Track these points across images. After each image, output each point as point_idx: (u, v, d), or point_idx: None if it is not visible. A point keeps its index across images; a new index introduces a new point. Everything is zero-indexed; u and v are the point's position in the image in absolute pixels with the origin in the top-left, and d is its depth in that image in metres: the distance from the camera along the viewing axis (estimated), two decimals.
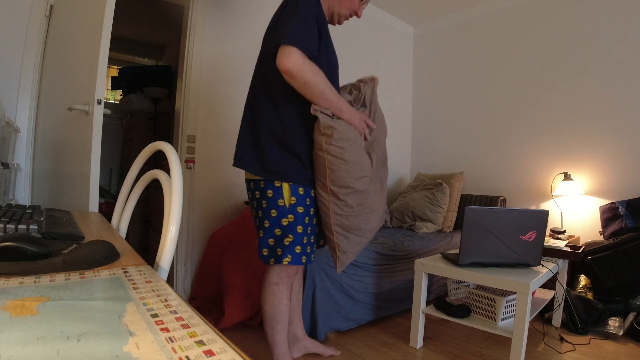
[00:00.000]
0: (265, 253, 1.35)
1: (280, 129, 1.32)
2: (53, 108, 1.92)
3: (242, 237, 2.12)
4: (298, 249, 1.33)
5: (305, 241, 1.34)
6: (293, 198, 1.32)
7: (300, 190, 1.34)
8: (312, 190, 1.38)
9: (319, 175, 1.33)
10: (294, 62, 1.16)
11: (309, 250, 1.36)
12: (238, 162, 1.38)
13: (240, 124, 1.44)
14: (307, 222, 1.35)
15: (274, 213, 1.32)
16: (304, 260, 1.34)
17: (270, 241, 1.34)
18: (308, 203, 1.36)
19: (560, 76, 2.84)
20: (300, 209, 1.33)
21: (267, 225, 1.34)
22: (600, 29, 2.65)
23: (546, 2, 2.93)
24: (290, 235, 1.32)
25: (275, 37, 1.22)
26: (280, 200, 1.31)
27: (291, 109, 1.32)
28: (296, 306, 1.67)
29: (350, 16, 1.49)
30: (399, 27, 3.75)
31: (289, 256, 1.31)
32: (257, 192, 1.35)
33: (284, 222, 1.32)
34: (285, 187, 1.32)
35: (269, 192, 1.32)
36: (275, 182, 1.31)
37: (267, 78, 1.34)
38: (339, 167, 1.28)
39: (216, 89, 2.44)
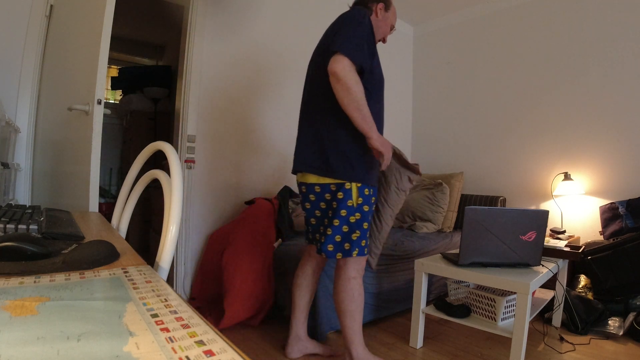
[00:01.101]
0: (330, 249, 1.45)
1: (345, 136, 1.43)
2: (53, 108, 1.92)
3: (242, 237, 2.12)
4: (363, 243, 1.48)
5: (368, 235, 1.51)
6: (360, 198, 1.45)
7: (366, 191, 1.47)
8: (375, 190, 1.54)
9: (394, 208, 1.67)
10: (342, 67, 1.29)
11: (369, 244, 1.54)
12: (305, 167, 1.49)
13: (299, 133, 1.56)
14: (370, 219, 1.50)
15: (343, 213, 1.43)
16: (366, 252, 1.51)
17: (337, 238, 1.45)
18: (372, 201, 1.51)
19: (560, 76, 2.84)
20: (366, 208, 1.47)
21: (336, 224, 1.44)
22: (600, 29, 2.64)
23: (546, 2, 2.93)
24: (358, 231, 1.45)
25: (331, 46, 1.34)
26: (350, 201, 1.44)
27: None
28: (309, 306, 1.72)
29: (379, 41, 1.64)
30: (399, 27, 3.75)
31: (357, 249, 1.46)
32: (327, 195, 1.46)
33: (352, 219, 1.44)
34: (354, 188, 1.44)
35: (340, 194, 1.43)
36: (346, 184, 1.43)
37: (328, 89, 1.40)
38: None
39: (216, 89, 2.44)
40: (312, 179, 1.47)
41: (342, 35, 1.34)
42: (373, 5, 1.59)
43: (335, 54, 1.30)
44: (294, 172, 1.58)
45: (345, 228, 1.44)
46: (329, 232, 1.45)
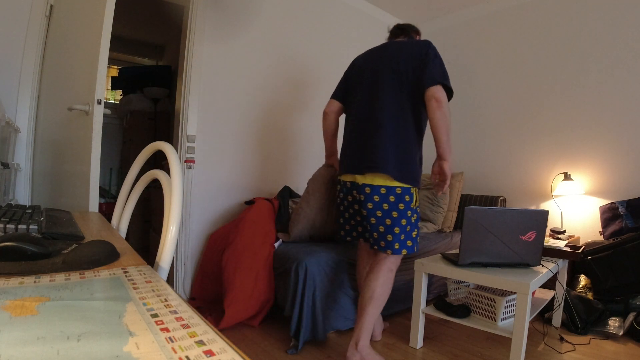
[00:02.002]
0: (397, 247, 1.60)
1: (418, 149, 1.69)
2: (53, 108, 1.92)
3: (242, 237, 2.12)
4: (419, 240, 1.70)
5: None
6: (418, 201, 1.67)
7: (419, 195, 1.67)
8: None
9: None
10: (443, 96, 1.55)
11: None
12: (378, 170, 1.59)
13: (367, 137, 1.65)
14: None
15: (409, 213, 1.60)
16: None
17: (402, 237, 1.60)
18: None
19: (560, 76, 2.84)
20: (419, 210, 1.67)
21: (404, 223, 1.59)
22: (600, 29, 2.64)
23: (546, 3, 2.93)
24: (416, 230, 1.65)
25: (436, 76, 1.55)
26: (413, 203, 1.62)
27: (421, 132, 1.71)
28: None
29: None
30: None
31: (416, 246, 1.65)
32: (391, 197, 1.58)
33: (413, 219, 1.63)
34: (415, 192, 1.64)
35: (407, 197, 1.59)
36: (411, 188, 1.61)
37: (413, 108, 1.63)
38: None
39: (216, 89, 2.44)
40: (379, 181, 1.58)
41: (439, 70, 1.57)
42: (415, 36, 1.86)
43: (439, 85, 1.54)
44: (354, 172, 1.66)
45: (408, 228, 1.61)
46: (397, 231, 1.58)
